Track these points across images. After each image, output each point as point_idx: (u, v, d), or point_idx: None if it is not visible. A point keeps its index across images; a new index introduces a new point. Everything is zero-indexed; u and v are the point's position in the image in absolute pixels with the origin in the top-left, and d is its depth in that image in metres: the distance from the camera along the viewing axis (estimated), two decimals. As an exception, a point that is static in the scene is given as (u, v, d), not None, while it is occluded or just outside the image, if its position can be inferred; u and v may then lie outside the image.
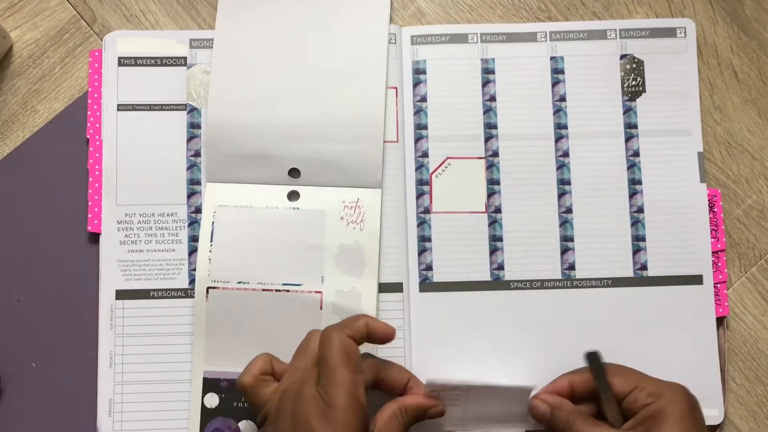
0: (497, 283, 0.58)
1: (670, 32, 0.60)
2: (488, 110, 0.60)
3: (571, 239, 0.58)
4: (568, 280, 0.58)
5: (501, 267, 0.58)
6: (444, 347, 0.58)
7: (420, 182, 0.59)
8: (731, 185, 0.60)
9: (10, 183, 0.59)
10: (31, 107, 0.60)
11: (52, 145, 0.60)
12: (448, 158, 0.59)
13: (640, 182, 0.59)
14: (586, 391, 0.52)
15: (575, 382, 0.53)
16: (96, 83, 0.60)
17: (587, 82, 0.60)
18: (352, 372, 0.47)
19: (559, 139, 0.59)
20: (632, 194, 0.59)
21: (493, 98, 0.60)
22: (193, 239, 0.58)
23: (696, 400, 0.50)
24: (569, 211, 0.59)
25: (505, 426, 0.55)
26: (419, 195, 0.59)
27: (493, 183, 0.59)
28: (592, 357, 0.51)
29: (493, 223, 0.59)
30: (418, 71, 0.60)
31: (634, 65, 0.60)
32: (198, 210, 0.59)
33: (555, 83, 0.60)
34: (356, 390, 0.46)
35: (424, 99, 0.60)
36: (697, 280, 0.58)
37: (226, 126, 0.58)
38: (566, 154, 0.59)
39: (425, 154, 0.59)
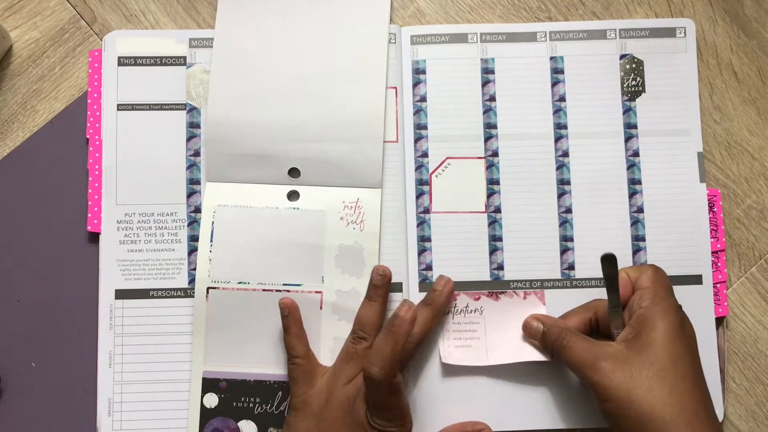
0: (497, 282, 0.58)
1: (669, 32, 0.60)
2: (488, 110, 0.60)
3: (571, 239, 0.58)
4: (568, 279, 0.58)
5: (501, 267, 0.58)
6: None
7: (420, 182, 0.59)
8: (731, 185, 0.60)
9: (10, 183, 0.59)
10: (31, 107, 0.60)
11: (52, 145, 0.60)
12: (447, 158, 0.59)
13: (639, 182, 0.59)
14: (582, 326, 0.55)
15: (571, 320, 0.55)
16: (96, 83, 0.60)
17: (587, 82, 0.60)
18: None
19: (558, 138, 0.59)
20: (632, 194, 0.59)
21: (492, 98, 0.60)
22: (193, 239, 0.58)
23: (688, 320, 0.52)
24: (569, 211, 0.59)
25: (526, 351, 0.56)
26: (419, 195, 0.59)
27: (492, 183, 0.59)
28: (607, 260, 0.52)
29: (493, 222, 0.59)
30: (418, 71, 0.60)
31: (633, 65, 0.60)
32: (197, 210, 0.59)
33: (555, 83, 0.60)
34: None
35: (423, 99, 0.60)
36: (696, 280, 0.58)
37: (225, 126, 0.58)
38: (566, 154, 0.59)
39: (425, 154, 0.59)
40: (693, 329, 0.51)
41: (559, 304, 0.57)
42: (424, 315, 0.55)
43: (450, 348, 0.57)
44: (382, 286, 0.55)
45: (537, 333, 0.55)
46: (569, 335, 0.52)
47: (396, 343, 0.49)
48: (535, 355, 0.55)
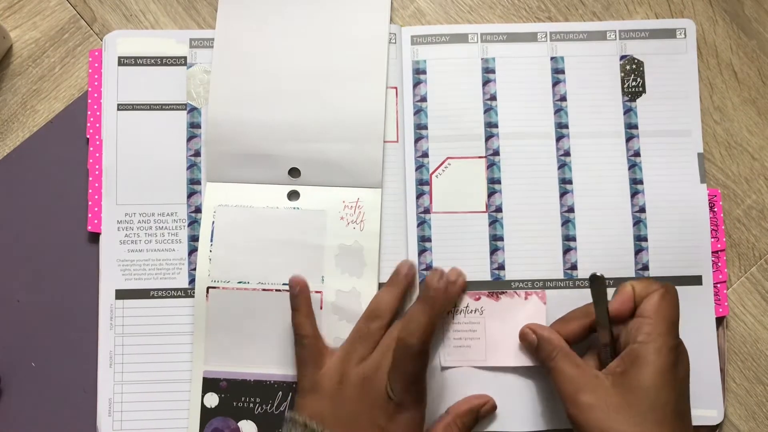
0: (498, 283, 0.58)
1: (670, 33, 0.61)
2: (489, 109, 0.60)
3: (573, 239, 0.58)
4: (570, 280, 0.58)
5: (502, 267, 0.58)
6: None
7: (420, 182, 0.59)
8: (731, 185, 0.60)
9: (10, 183, 0.59)
10: (31, 107, 0.60)
11: (52, 145, 0.60)
12: (448, 158, 0.59)
13: (641, 182, 0.59)
14: (578, 334, 0.54)
15: (568, 324, 0.54)
16: (96, 83, 0.60)
17: (588, 82, 0.60)
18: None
19: (560, 138, 0.59)
20: (634, 194, 0.59)
21: (493, 97, 0.60)
22: (193, 239, 0.58)
23: (686, 357, 0.50)
24: (571, 210, 0.59)
25: (527, 360, 0.56)
26: (419, 195, 0.59)
27: (493, 182, 0.59)
28: (595, 281, 0.51)
29: (494, 222, 0.59)
30: (418, 71, 0.60)
31: (634, 66, 0.60)
32: (198, 210, 0.59)
33: (555, 83, 0.60)
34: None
35: (424, 99, 0.60)
36: (696, 280, 0.58)
37: (226, 126, 0.58)
38: (567, 154, 0.59)
39: (425, 154, 0.59)
40: (687, 366, 0.50)
41: (561, 304, 0.57)
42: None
43: (449, 348, 0.57)
44: (405, 276, 0.56)
45: (531, 346, 0.54)
46: (559, 357, 0.51)
47: (432, 311, 0.50)
48: (531, 361, 0.56)
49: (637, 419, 0.47)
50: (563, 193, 0.59)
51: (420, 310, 0.50)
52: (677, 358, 0.49)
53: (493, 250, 0.58)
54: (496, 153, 0.59)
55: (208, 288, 0.57)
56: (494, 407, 0.56)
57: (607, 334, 0.51)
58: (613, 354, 0.51)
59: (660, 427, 0.47)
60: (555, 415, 0.57)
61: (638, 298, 0.51)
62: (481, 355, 0.56)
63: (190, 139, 0.59)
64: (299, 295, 0.55)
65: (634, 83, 0.60)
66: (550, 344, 0.52)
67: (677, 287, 0.53)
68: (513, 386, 0.57)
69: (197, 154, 0.59)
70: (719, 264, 0.59)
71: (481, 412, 0.55)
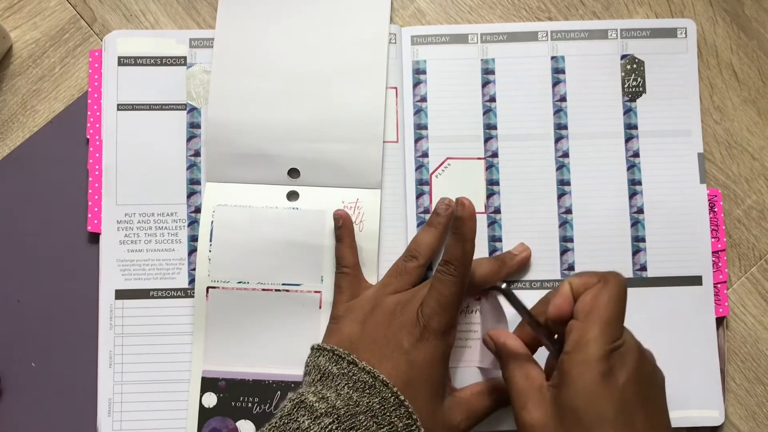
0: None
1: (670, 32, 0.60)
2: (488, 110, 0.60)
3: (571, 240, 0.58)
4: (568, 280, 0.58)
5: (501, 267, 0.58)
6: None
7: (420, 182, 0.59)
8: (731, 185, 0.60)
9: (10, 183, 0.59)
10: (31, 107, 0.60)
11: (52, 145, 0.60)
12: (447, 158, 0.59)
13: (640, 183, 0.59)
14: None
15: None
16: (96, 83, 0.60)
17: (588, 82, 0.60)
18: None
19: (559, 139, 0.59)
20: (632, 195, 0.59)
21: (493, 98, 0.60)
22: (193, 239, 0.58)
23: (629, 358, 0.44)
24: (569, 211, 0.59)
25: None
26: (419, 195, 0.59)
27: (492, 183, 0.59)
28: (503, 293, 0.49)
29: (493, 223, 0.59)
30: (418, 71, 0.60)
31: (634, 65, 0.60)
32: (198, 210, 0.59)
33: (555, 83, 0.60)
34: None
35: (424, 99, 0.60)
36: (697, 280, 0.58)
37: (225, 126, 0.58)
38: (566, 155, 0.59)
39: (425, 155, 0.59)
40: (631, 368, 0.44)
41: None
42: (490, 266, 0.56)
43: (455, 349, 0.57)
44: (444, 215, 0.56)
45: (491, 350, 0.51)
46: (510, 366, 0.48)
47: (466, 239, 0.50)
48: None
49: None
50: (561, 195, 0.59)
51: (453, 241, 0.50)
52: (612, 366, 0.43)
53: (492, 251, 0.58)
54: (495, 155, 0.59)
55: (207, 288, 0.57)
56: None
57: (542, 336, 0.48)
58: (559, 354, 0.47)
59: None
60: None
61: (575, 295, 0.47)
62: (481, 356, 0.56)
63: (189, 139, 0.59)
64: (343, 227, 0.56)
65: (634, 83, 0.60)
66: (504, 351, 0.49)
67: (678, 287, 0.53)
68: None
69: (197, 154, 0.59)
70: (719, 264, 0.59)
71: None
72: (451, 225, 0.51)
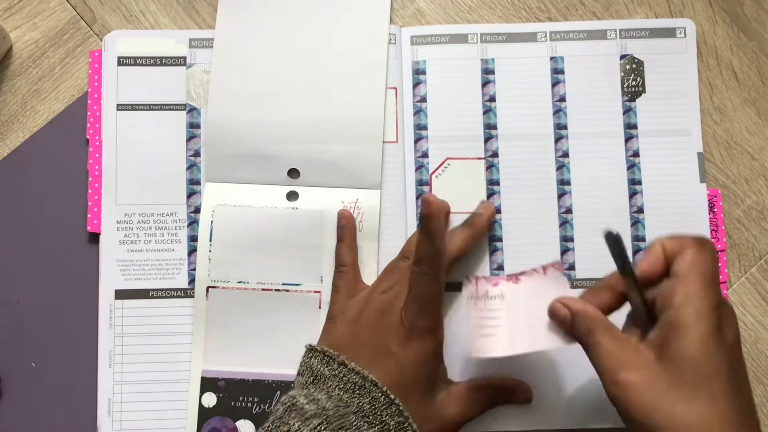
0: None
1: (669, 32, 0.60)
2: (488, 110, 0.60)
3: (571, 239, 0.58)
4: (569, 279, 0.58)
5: (501, 267, 0.58)
6: (443, 347, 0.57)
7: (420, 182, 0.59)
8: (731, 185, 0.60)
9: (10, 183, 0.59)
10: (31, 107, 0.60)
11: (52, 145, 0.60)
12: (447, 159, 0.59)
13: (639, 182, 0.59)
14: (613, 300, 0.48)
15: (601, 290, 0.48)
16: (96, 83, 0.60)
17: (587, 82, 0.60)
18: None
19: (558, 139, 0.59)
20: (632, 194, 0.59)
21: (492, 98, 0.60)
22: (193, 239, 0.58)
23: (731, 314, 0.44)
24: (569, 211, 0.59)
25: (556, 336, 0.50)
26: (419, 195, 0.59)
27: (492, 183, 0.59)
28: (611, 238, 0.45)
29: (493, 223, 0.59)
30: (418, 71, 0.60)
31: (634, 65, 0.60)
32: (198, 210, 0.59)
33: (555, 83, 0.60)
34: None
35: (423, 99, 0.60)
36: (696, 280, 0.58)
37: (225, 126, 0.58)
38: (566, 155, 0.59)
39: (425, 155, 0.59)
40: (736, 327, 0.44)
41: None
42: (462, 235, 0.56)
43: (474, 339, 0.52)
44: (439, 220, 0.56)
45: (564, 322, 0.48)
46: (597, 331, 0.45)
47: (435, 237, 0.49)
48: (563, 341, 0.49)
49: (686, 397, 0.41)
50: (561, 194, 0.59)
51: (423, 239, 0.50)
52: (722, 319, 0.43)
53: (493, 251, 0.58)
54: (495, 155, 0.59)
55: (207, 288, 0.57)
56: (529, 399, 0.55)
57: (637, 296, 0.46)
58: (650, 318, 0.45)
59: (712, 404, 0.41)
60: (559, 414, 0.57)
61: (669, 256, 0.45)
62: (507, 344, 0.52)
63: (189, 139, 0.59)
64: (345, 227, 0.57)
65: (634, 83, 0.60)
66: (586, 318, 0.46)
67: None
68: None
69: (197, 154, 0.59)
70: (719, 264, 0.58)
71: (514, 399, 0.55)
72: (419, 223, 0.51)
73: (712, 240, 0.58)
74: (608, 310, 0.48)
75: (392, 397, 0.47)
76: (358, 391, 0.48)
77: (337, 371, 0.49)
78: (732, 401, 0.41)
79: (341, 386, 0.48)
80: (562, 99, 0.60)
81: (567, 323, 0.47)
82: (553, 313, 0.49)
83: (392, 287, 0.53)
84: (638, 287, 0.45)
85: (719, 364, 0.42)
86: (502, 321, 0.51)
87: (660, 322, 0.44)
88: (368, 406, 0.47)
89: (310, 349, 0.52)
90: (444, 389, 0.52)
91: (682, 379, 0.42)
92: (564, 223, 0.59)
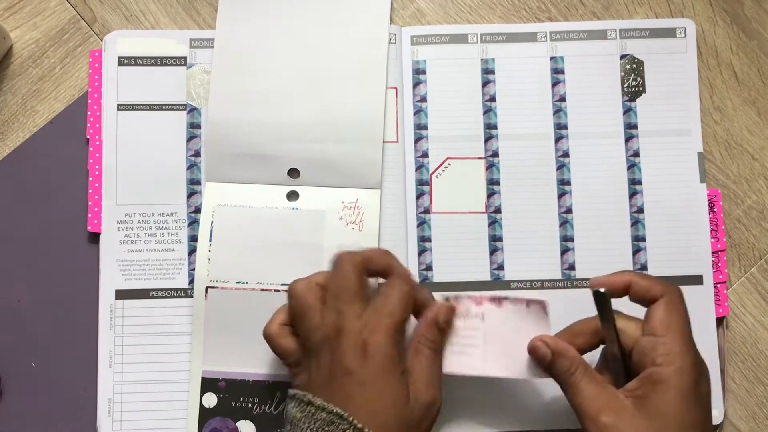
0: (497, 283, 0.58)
1: (670, 32, 0.60)
2: (488, 110, 0.60)
3: (571, 239, 0.58)
4: (569, 280, 0.58)
5: (501, 267, 0.58)
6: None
7: (420, 182, 0.59)
8: (731, 185, 0.60)
9: (10, 183, 0.59)
10: (31, 107, 0.60)
11: (52, 145, 0.60)
12: (448, 158, 0.59)
13: (640, 182, 0.59)
14: (591, 343, 0.50)
15: (581, 332, 0.50)
16: (96, 83, 0.60)
17: (587, 82, 0.60)
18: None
19: (559, 139, 0.59)
20: (632, 194, 0.59)
21: (492, 98, 0.60)
22: (193, 239, 0.58)
23: (705, 369, 0.47)
24: (569, 211, 0.59)
25: (528, 368, 0.51)
26: (419, 195, 0.59)
27: (493, 183, 0.59)
28: (598, 297, 0.48)
29: (493, 223, 0.59)
30: (418, 71, 0.60)
31: (634, 65, 0.60)
32: (198, 210, 0.59)
33: (555, 83, 0.60)
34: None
35: (424, 99, 0.60)
36: (697, 280, 0.58)
37: (226, 126, 0.58)
38: (566, 155, 0.59)
39: (425, 154, 0.59)
40: (708, 377, 0.47)
41: (559, 303, 0.57)
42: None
43: (449, 354, 0.52)
44: None
45: (544, 359, 0.49)
46: (578, 373, 0.48)
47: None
48: (536, 373, 0.51)
49: None
50: (561, 194, 0.59)
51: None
52: (699, 374, 0.46)
53: (493, 251, 0.58)
54: (495, 154, 0.59)
55: (206, 288, 0.57)
56: (451, 309, 0.51)
57: (616, 348, 0.48)
58: (625, 368, 0.49)
59: None
60: (554, 415, 0.57)
61: (634, 294, 0.49)
62: (479, 363, 0.52)
63: (190, 139, 0.59)
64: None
65: (634, 83, 0.60)
66: (567, 359, 0.48)
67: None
68: (512, 386, 0.57)
69: (197, 154, 0.59)
70: (719, 264, 0.59)
71: (441, 322, 0.50)
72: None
73: (712, 240, 0.58)
74: (583, 352, 0.50)
75: (360, 426, 0.44)
76: (327, 428, 0.45)
77: (307, 411, 0.46)
78: None
79: (312, 426, 0.45)
80: (562, 99, 0.60)
81: (546, 361, 0.49)
82: (533, 350, 0.50)
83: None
84: (618, 341, 0.48)
85: (696, 416, 0.45)
86: (478, 341, 0.52)
87: (642, 377, 0.46)
88: None
89: (288, 397, 0.49)
90: (409, 377, 0.48)
91: (662, 429, 0.45)
92: (564, 223, 0.59)
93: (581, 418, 0.47)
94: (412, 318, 0.50)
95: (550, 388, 0.56)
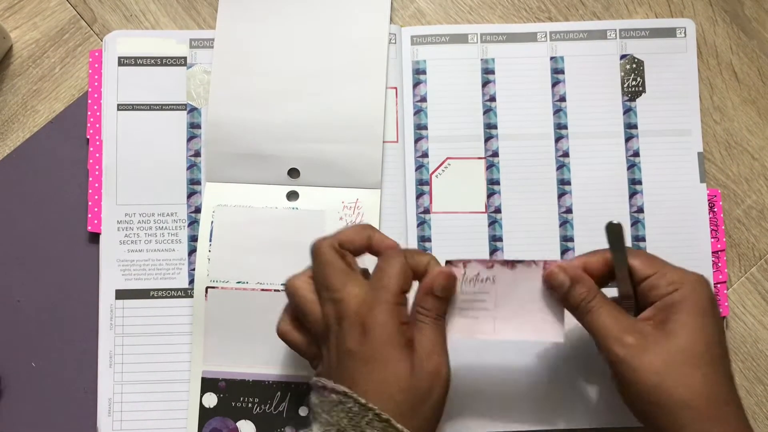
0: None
1: (670, 32, 0.60)
2: (488, 110, 0.60)
3: (571, 239, 0.58)
4: (568, 280, 0.58)
5: (501, 267, 0.58)
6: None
7: (420, 182, 0.59)
8: (731, 185, 0.60)
9: (10, 183, 0.59)
10: (31, 107, 0.60)
11: (52, 145, 0.60)
12: (448, 158, 0.59)
13: (640, 182, 0.59)
14: (601, 276, 0.49)
15: (591, 264, 0.49)
16: (96, 83, 0.60)
17: (587, 82, 0.60)
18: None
19: (559, 139, 0.59)
20: (632, 194, 0.59)
21: (492, 98, 0.60)
22: (193, 239, 0.58)
23: (714, 294, 0.48)
24: (569, 211, 0.59)
25: (540, 329, 0.50)
26: (419, 195, 0.59)
27: (492, 183, 0.59)
28: (612, 229, 0.47)
29: (493, 223, 0.59)
30: (418, 71, 0.60)
31: (634, 65, 0.60)
32: (198, 210, 0.59)
33: (555, 83, 0.60)
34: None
35: (423, 99, 0.60)
36: (697, 280, 0.58)
37: (226, 126, 0.58)
38: (566, 155, 0.59)
39: (425, 154, 0.59)
40: (720, 313, 0.48)
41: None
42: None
43: (454, 317, 0.50)
44: None
45: (561, 287, 0.48)
46: (597, 298, 0.47)
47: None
48: (548, 335, 0.49)
49: (694, 361, 0.45)
50: (561, 194, 0.59)
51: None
52: (709, 288, 0.47)
53: (493, 251, 0.58)
54: (495, 154, 0.59)
55: (207, 288, 0.57)
56: (448, 275, 0.49)
57: (628, 285, 0.48)
58: (635, 308, 0.49)
59: (713, 367, 0.45)
60: (555, 414, 0.57)
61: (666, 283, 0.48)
62: (489, 326, 0.50)
63: (190, 139, 0.59)
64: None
65: (634, 83, 0.60)
66: (585, 286, 0.48)
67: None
68: (513, 385, 0.57)
69: (197, 154, 0.59)
70: (719, 264, 0.59)
71: (437, 290, 0.48)
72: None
73: (712, 239, 0.58)
74: (597, 283, 0.49)
75: (363, 401, 0.44)
76: (335, 408, 0.45)
77: (321, 396, 0.47)
78: (726, 365, 0.46)
79: (326, 408, 0.46)
80: (562, 99, 0.60)
81: (563, 289, 0.48)
82: (549, 277, 0.48)
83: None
84: (631, 277, 0.48)
85: (715, 331, 0.46)
86: (489, 305, 0.50)
87: (655, 306, 0.47)
88: (346, 421, 0.44)
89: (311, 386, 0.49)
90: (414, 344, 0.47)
91: (687, 347, 0.45)
92: (564, 223, 0.59)
93: (604, 341, 0.46)
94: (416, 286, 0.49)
95: (550, 387, 0.57)
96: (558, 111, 0.60)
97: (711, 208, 0.59)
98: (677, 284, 0.47)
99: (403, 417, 0.44)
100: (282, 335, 0.51)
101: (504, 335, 0.50)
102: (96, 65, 0.60)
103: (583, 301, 0.47)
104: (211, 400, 0.57)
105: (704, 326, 0.46)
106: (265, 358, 0.57)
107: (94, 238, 0.59)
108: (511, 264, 0.50)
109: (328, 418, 0.45)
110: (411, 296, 0.48)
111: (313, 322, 0.48)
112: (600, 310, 0.47)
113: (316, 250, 0.49)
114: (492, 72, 0.60)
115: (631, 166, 0.59)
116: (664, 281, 0.47)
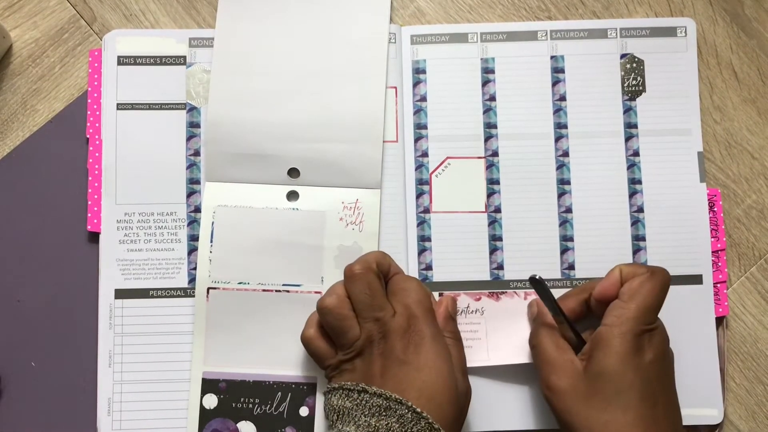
0: (497, 282, 0.58)
1: (670, 32, 0.60)
2: (488, 110, 0.60)
3: (571, 239, 0.58)
4: (568, 279, 0.58)
5: (501, 267, 0.58)
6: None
7: (420, 182, 0.59)
8: (731, 185, 0.60)
9: (10, 183, 0.59)
10: (31, 107, 0.60)
11: (51, 144, 0.60)
12: (447, 158, 0.59)
13: (639, 182, 0.59)
14: (579, 309, 0.54)
15: (568, 300, 0.55)
16: (96, 82, 0.60)
17: (587, 81, 0.60)
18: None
19: (558, 138, 0.59)
20: (632, 194, 0.59)
21: (492, 98, 0.60)
22: (193, 238, 0.58)
23: (659, 343, 0.50)
24: (569, 210, 0.59)
25: (527, 356, 0.56)
26: (419, 195, 0.59)
27: (492, 183, 0.59)
28: (534, 283, 0.51)
29: (493, 222, 0.59)
30: (418, 71, 0.60)
31: (634, 64, 0.60)
32: (197, 209, 0.59)
33: (555, 82, 0.60)
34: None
35: (423, 99, 0.60)
36: (696, 279, 0.58)
37: (225, 125, 0.58)
38: (566, 154, 0.59)
39: (425, 154, 0.59)
40: (659, 349, 0.50)
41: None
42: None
43: None
44: None
45: (531, 317, 0.56)
46: (542, 333, 0.53)
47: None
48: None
49: (602, 405, 0.48)
50: (561, 194, 0.59)
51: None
52: (643, 344, 0.49)
53: (492, 250, 0.58)
54: (495, 154, 0.59)
55: (208, 288, 0.57)
56: (453, 299, 0.56)
57: (567, 330, 0.52)
58: (581, 344, 0.52)
59: (624, 413, 0.47)
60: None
61: (624, 280, 0.52)
62: (484, 355, 0.57)
63: (189, 138, 0.59)
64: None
65: (634, 82, 0.60)
66: (536, 323, 0.54)
67: (678, 286, 0.53)
68: (512, 385, 0.57)
69: (197, 153, 0.59)
70: (719, 264, 0.59)
71: (452, 313, 0.55)
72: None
73: (712, 239, 0.58)
74: (574, 317, 0.54)
75: (419, 410, 0.46)
76: (384, 413, 0.46)
77: (359, 400, 0.48)
78: (644, 411, 0.48)
79: (366, 412, 0.47)
80: (563, 98, 0.60)
81: (529, 320, 0.56)
82: (529, 306, 0.57)
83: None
84: (568, 320, 0.52)
85: (633, 380, 0.48)
86: (481, 335, 0.57)
87: (592, 336, 0.50)
88: (396, 425, 0.46)
89: (328, 391, 0.51)
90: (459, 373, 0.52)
91: (600, 390, 0.48)
92: (564, 223, 0.59)
93: (539, 379, 0.52)
94: None
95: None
96: (558, 110, 0.60)
97: (711, 207, 0.59)
98: (614, 322, 0.49)
99: (450, 430, 0.48)
100: (308, 341, 0.53)
101: (497, 361, 0.56)
102: (96, 64, 0.60)
103: (532, 333, 0.54)
104: (211, 401, 0.57)
105: (619, 373, 0.48)
106: (265, 359, 0.57)
107: (94, 237, 0.59)
108: (496, 296, 0.57)
109: (371, 421, 0.46)
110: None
111: (351, 338, 0.50)
112: (540, 345, 0.52)
113: (359, 274, 0.51)
114: (492, 71, 0.60)
115: (631, 166, 0.59)
116: (611, 312, 0.50)
